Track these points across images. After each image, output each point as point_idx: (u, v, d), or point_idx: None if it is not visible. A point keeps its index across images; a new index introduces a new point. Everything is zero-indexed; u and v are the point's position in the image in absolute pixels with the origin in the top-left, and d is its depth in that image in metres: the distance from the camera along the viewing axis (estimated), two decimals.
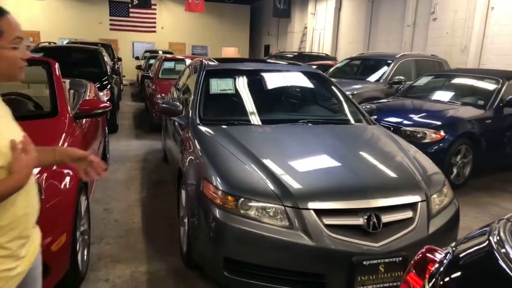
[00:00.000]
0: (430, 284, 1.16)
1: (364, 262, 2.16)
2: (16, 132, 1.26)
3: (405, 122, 5.05)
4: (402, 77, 7.50)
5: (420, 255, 1.32)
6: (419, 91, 6.34)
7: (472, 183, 5.05)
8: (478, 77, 5.95)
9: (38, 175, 2.21)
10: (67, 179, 2.39)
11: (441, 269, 1.19)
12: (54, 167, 2.32)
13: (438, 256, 1.29)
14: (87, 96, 4.36)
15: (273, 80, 3.97)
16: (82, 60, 7.75)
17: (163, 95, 7.42)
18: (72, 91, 4.01)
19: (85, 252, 2.76)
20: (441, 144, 4.75)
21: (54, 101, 2.98)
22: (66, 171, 2.42)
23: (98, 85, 6.43)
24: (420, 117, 5.12)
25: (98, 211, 3.88)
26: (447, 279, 1.14)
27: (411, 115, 5.22)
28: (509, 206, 4.52)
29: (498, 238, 1.21)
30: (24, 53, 1.27)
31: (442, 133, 4.79)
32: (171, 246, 3.23)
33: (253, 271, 2.28)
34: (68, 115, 3.02)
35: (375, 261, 2.18)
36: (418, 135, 4.81)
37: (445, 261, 1.23)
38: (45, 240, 2.06)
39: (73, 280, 2.50)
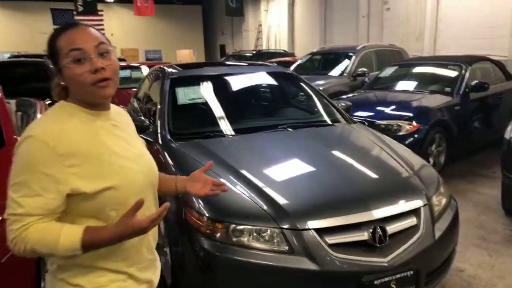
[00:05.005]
0: None
1: (376, 282, 1.96)
2: (137, 154, 1.21)
3: (378, 115, 4.96)
4: (365, 69, 7.46)
5: None
6: (385, 82, 6.30)
7: (447, 171, 5.04)
8: (442, 64, 5.98)
9: None
10: None
11: None
12: None
13: None
14: (38, 117, 3.90)
15: (244, 84, 3.70)
16: (27, 76, 7.11)
17: (121, 106, 6.95)
18: (19, 114, 3.55)
19: None
20: (416, 135, 4.69)
21: None
22: None
23: (49, 102, 5.89)
24: (392, 109, 5.05)
25: None
26: None
27: (383, 108, 5.14)
28: (487, 191, 4.53)
29: None
30: (93, 63, 1.08)
31: (416, 123, 4.73)
32: None
33: None
34: None
35: (386, 279, 1.98)
36: (393, 128, 4.72)
37: None
38: None
39: None
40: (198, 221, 2.14)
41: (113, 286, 1.14)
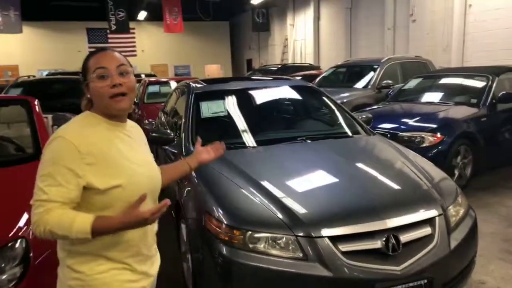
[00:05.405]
0: None
1: None
2: (141, 160, 1.40)
3: (402, 127, 4.96)
4: (390, 81, 7.45)
5: None
6: (409, 94, 6.27)
7: (474, 183, 4.95)
8: (468, 75, 5.91)
9: (25, 227, 2.01)
10: None
11: None
12: None
13: None
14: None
15: (265, 98, 3.83)
16: (64, 92, 7.51)
17: (150, 120, 7.23)
18: (55, 127, 3.80)
19: None
20: (440, 147, 4.65)
21: (36, 143, 2.77)
22: None
23: None
24: (416, 121, 5.03)
25: None
26: None
27: (406, 120, 5.13)
28: None
29: None
30: (113, 80, 1.30)
31: (439, 135, 4.69)
32: (176, 283, 3.02)
33: None
34: None
35: (399, 287, 2.02)
36: (416, 140, 4.70)
37: None
38: None
39: None
40: (217, 228, 2.25)
41: (110, 273, 1.31)
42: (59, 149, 1.24)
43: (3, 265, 1.84)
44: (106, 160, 1.28)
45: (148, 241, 1.43)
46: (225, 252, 2.15)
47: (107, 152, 1.29)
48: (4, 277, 1.83)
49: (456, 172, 4.79)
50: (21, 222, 2.00)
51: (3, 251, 1.87)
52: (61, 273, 1.35)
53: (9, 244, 1.90)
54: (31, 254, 1.90)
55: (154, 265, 1.49)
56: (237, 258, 2.11)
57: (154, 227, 1.47)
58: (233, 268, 2.12)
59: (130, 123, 1.46)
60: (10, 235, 1.92)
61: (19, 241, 1.92)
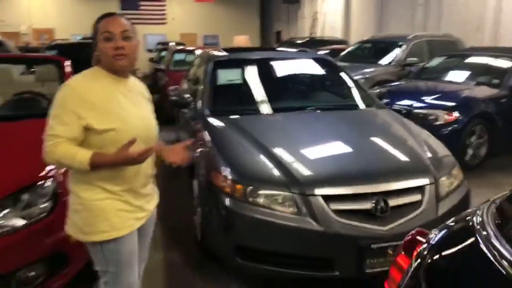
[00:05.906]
0: (416, 264, 1.19)
1: (372, 246, 2.20)
2: (141, 114, 1.64)
3: (418, 104, 5.00)
4: (415, 59, 7.37)
5: (410, 237, 1.35)
6: (432, 73, 6.23)
7: (488, 163, 4.97)
8: (492, 55, 5.81)
9: (55, 169, 2.28)
10: None
11: (427, 249, 1.22)
12: None
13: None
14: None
15: (280, 69, 3.97)
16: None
17: (175, 86, 7.47)
18: None
19: None
20: (454, 126, 4.68)
21: None
22: None
23: None
24: (433, 99, 5.06)
25: None
26: (431, 259, 1.17)
27: (424, 97, 5.15)
28: None
29: (480, 220, 1.22)
30: (116, 43, 1.53)
31: (455, 114, 4.72)
32: (187, 234, 3.30)
33: (264, 256, 2.34)
34: None
35: (383, 245, 2.21)
36: (431, 117, 4.75)
37: (431, 241, 1.26)
38: (63, 232, 2.15)
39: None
40: (222, 183, 2.48)
41: (106, 202, 1.59)
42: (65, 95, 1.54)
43: (35, 200, 2.14)
44: (105, 108, 1.55)
45: (141, 180, 1.67)
46: (228, 203, 2.39)
47: (107, 102, 1.56)
48: (36, 210, 2.13)
49: (470, 152, 4.82)
50: (52, 165, 2.28)
51: (36, 188, 2.17)
52: (70, 200, 1.66)
53: (41, 183, 2.19)
54: (59, 191, 2.20)
55: (150, 202, 1.75)
56: (239, 210, 2.34)
57: (147, 170, 1.71)
58: (234, 218, 2.37)
59: (132, 79, 1.71)
60: (41, 175, 2.21)
61: (49, 180, 2.21)
